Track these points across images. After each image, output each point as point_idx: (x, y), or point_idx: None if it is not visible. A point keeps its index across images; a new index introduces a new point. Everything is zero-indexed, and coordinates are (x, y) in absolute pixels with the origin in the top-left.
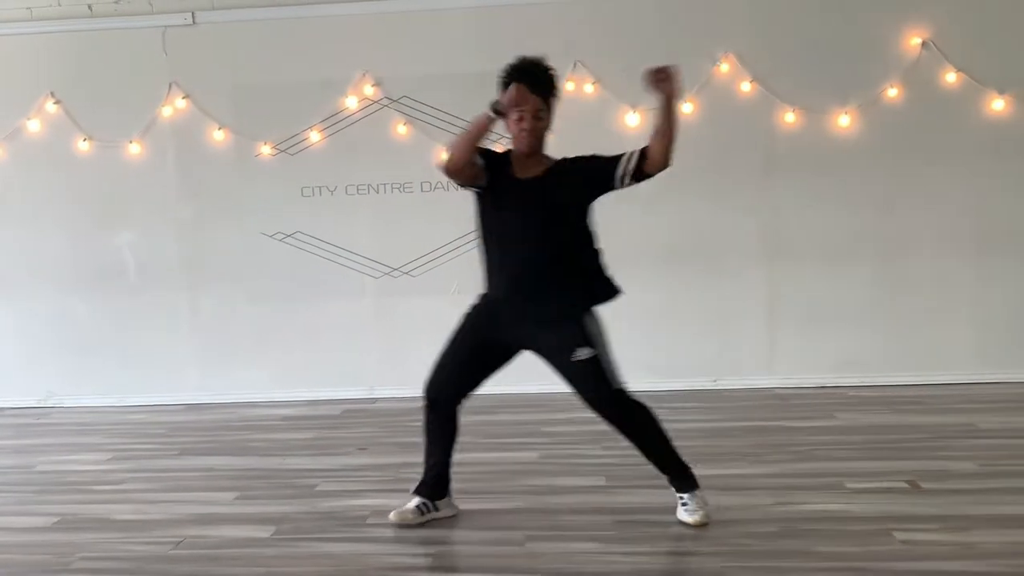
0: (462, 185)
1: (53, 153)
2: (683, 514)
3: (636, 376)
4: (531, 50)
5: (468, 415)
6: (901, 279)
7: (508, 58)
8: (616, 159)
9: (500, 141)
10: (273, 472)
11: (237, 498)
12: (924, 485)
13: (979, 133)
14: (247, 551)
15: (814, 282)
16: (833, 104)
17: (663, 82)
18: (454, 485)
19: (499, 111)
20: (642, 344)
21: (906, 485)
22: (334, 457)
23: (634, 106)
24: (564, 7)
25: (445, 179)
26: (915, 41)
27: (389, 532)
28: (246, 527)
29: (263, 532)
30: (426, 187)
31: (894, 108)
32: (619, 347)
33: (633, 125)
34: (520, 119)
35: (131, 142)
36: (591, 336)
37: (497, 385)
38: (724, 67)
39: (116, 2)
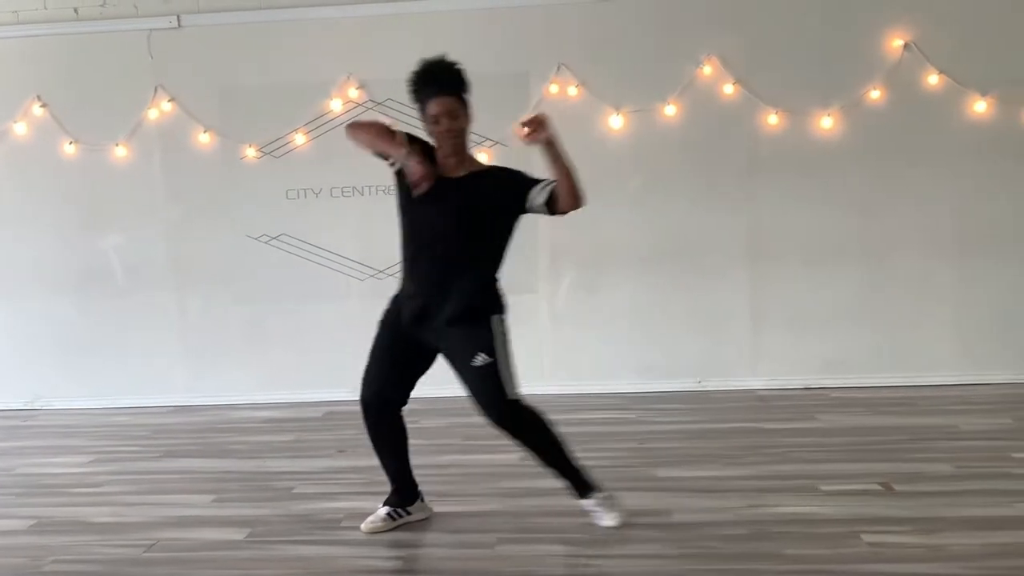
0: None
1: (40, 156)
2: (599, 520)
3: (622, 377)
4: (516, 53)
5: (450, 417)
6: (884, 280)
7: (492, 61)
8: (533, 184)
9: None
10: (252, 475)
11: (214, 500)
12: (897, 487)
13: (961, 135)
14: (220, 554)
15: (798, 283)
16: (816, 106)
17: (534, 133)
18: (432, 488)
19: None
20: (627, 345)
21: (879, 487)
22: (313, 459)
23: (618, 108)
24: (548, 10)
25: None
26: (897, 43)
27: (361, 535)
28: (221, 529)
29: (237, 535)
30: None
31: (877, 110)
32: (604, 348)
33: (617, 127)
34: (436, 122)
35: (117, 145)
36: (494, 342)
37: None
38: (707, 69)
39: (102, 5)
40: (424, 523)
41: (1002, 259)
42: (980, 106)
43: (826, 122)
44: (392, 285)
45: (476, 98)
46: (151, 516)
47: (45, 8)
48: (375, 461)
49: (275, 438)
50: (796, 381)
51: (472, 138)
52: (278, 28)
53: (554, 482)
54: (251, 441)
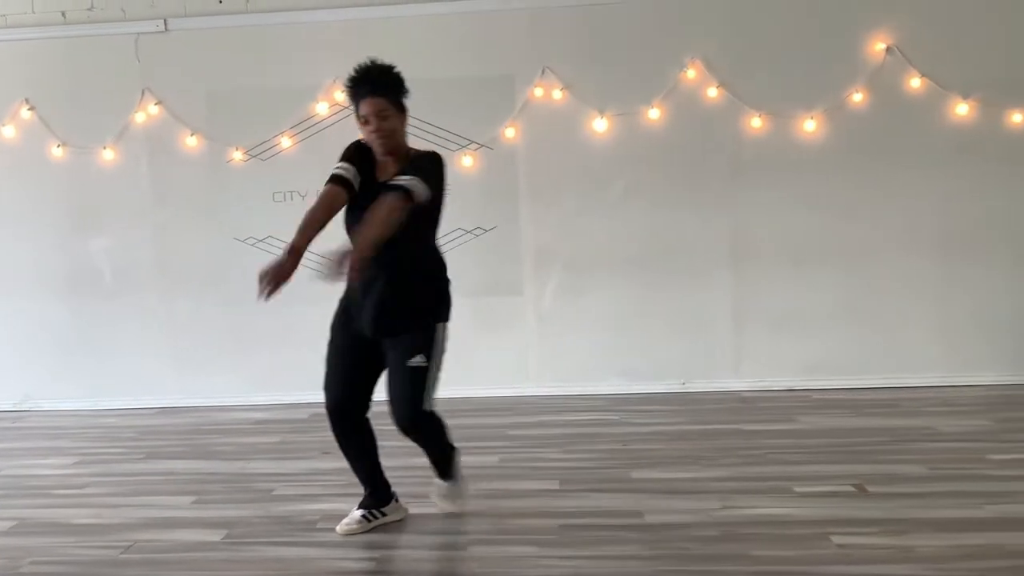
0: None
1: (28, 159)
2: (439, 500)
3: (606, 380)
4: (501, 56)
5: None
6: (867, 282)
7: (478, 65)
8: (403, 174)
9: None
10: (234, 476)
11: (194, 502)
12: (871, 489)
13: (943, 137)
14: (196, 555)
15: (781, 285)
16: (799, 109)
17: (354, 272)
18: (408, 489)
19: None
20: (611, 347)
21: (853, 489)
22: (296, 461)
23: (602, 111)
24: (533, 13)
25: None
26: (880, 47)
27: (337, 536)
28: (198, 531)
29: (215, 536)
30: None
31: (859, 113)
32: (590, 351)
33: (601, 130)
34: (366, 123)
35: (105, 148)
36: (432, 348)
37: (464, 388)
38: (691, 73)
39: (89, 9)
40: (399, 524)
41: (985, 261)
42: (962, 108)
43: (809, 125)
44: None
45: (461, 101)
46: (131, 518)
47: (33, 12)
48: None
49: (260, 440)
50: (779, 383)
51: (457, 140)
52: (264, 32)
53: (532, 484)
54: (236, 443)
